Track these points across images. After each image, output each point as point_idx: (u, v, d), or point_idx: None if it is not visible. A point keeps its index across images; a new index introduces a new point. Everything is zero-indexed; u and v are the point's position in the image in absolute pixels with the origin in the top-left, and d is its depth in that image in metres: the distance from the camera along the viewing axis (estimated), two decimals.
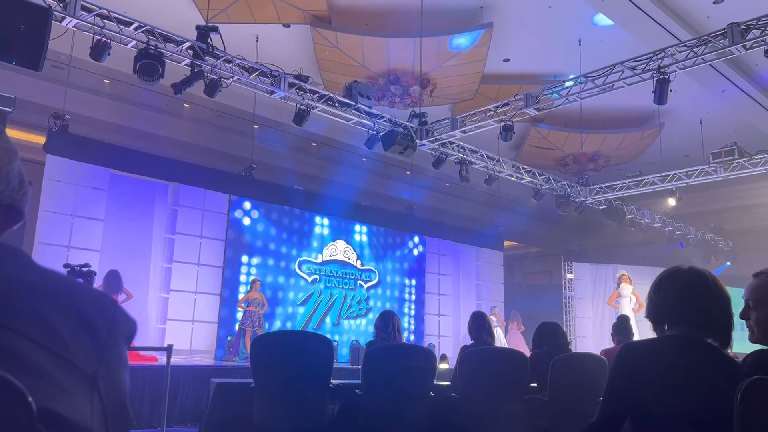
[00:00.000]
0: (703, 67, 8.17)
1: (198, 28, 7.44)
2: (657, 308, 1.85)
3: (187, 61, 7.41)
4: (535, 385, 4.73)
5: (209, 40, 7.39)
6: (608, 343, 5.60)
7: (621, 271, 12.68)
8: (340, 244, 12.83)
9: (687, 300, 1.79)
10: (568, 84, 8.85)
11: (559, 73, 10.23)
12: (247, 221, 11.39)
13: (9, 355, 0.54)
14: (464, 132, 10.06)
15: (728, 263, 15.39)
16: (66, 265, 5.79)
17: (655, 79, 7.85)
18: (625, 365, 1.79)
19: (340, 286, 12.63)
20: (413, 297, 13.95)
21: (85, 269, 5.67)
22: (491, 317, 9.07)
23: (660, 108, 9.18)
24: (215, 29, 7.42)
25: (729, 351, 1.82)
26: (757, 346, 1.92)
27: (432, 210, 14.91)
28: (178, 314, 10.21)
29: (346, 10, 8.97)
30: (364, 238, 13.29)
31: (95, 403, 0.59)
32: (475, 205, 14.97)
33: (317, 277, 12.28)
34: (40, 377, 0.54)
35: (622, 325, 5.44)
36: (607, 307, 15.80)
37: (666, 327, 1.83)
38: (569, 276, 16.13)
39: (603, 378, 4.63)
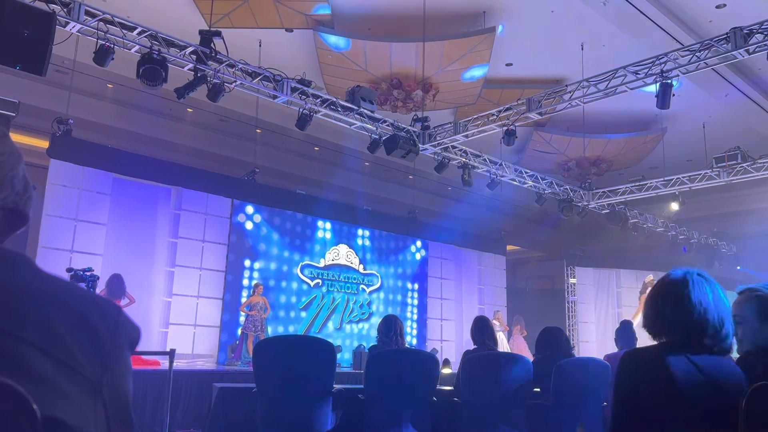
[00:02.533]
0: (706, 72, 8.16)
1: (201, 32, 7.46)
2: (652, 320, 1.83)
3: (190, 65, 7.43)
4: (538, 390, 4.71)
5: (212, 45, 7.41)
6: (611, 348, 5.59)
7: (649, 276, 12.56)
8: (343, 248, 12.83)
9: (683, 308, 1.76)
10: (570, 88, 8.85)
11: (561, 78, 10.23)
12: (249, 225, 11.40)
13: (14, 362, 0.54)
14: (467, 136, 10.06)
15: (739, 267, 15.32)
16: (69, 270, 5.79)
17: (657, 83, 7.85)
18: (626, 374, 1.78)
19: (343, 291, 12.63)
20: (415, 301, 13.94)
21: (88, 273, 5.67)
22: (494, 322, 9.05)
23: (663, 112, 9.17)
24: (218, 34, 7.44)
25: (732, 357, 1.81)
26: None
27: (434, 214, 14.90)
28: (180, 318, 10.21)
29: (348, 14, 9.00)
30: (367, 242, 13.29)
31: (98, 410, 0.58)
32: (477, 209, 14.95)
33: (320, 281, 12.28)
34: (44, 385, 0.54)
35: (625, 330, 5.42)
36: (611, 312, 15.80)
37: (665, 336, 1.81)
38: (572, 280, 16.10)
39: (606, 383, 4.62)
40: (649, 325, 1.84)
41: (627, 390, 1.75)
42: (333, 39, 9.30)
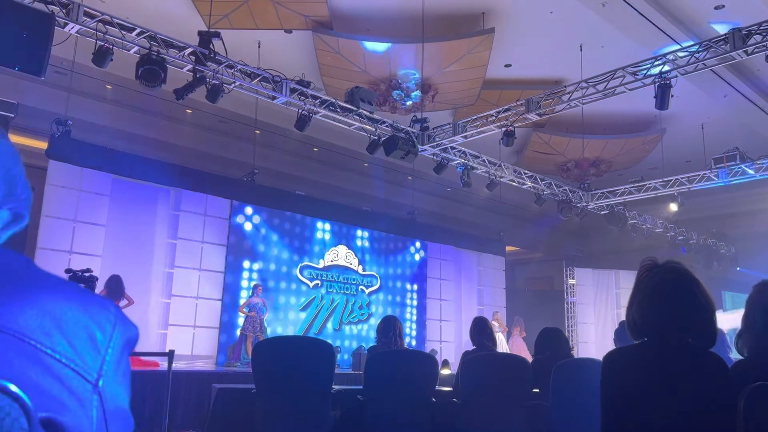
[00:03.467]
0: (705, 73, 8.17)
1: (200, 33, 7.47)
2: (629, 323, 1.83)
3: (189, 66, 7.43)
4: (537, 390, 4.71)
5: (211, 46, 7.41)
6: (610, 348, 5.60)
7: None
8: (342, 249, 12.82)
9: (656, 306, 1.76)
10: (569, 89, 8.86)
11: (560, 79, 10.24)
12: (248, 226, 11.39)
13: (9, 361, 0.53)
14: (466, 137, 10.07)
15: (738, 268, 15.33)
16: (68, 271, 5.78)
17: (656, 84, 7.86)
18: (608, 374, 1.78)
19: (342, 292, 12.62)
20: (415, 302, 13.94)
21: (86, 274, 5.66)
22: (493, 323, 9.05)
23: (661, 113, 9.18)
24: (217, 35, 7.44)
25: (730, 353, 1.82)
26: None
27: (434, 215, 14.91)
28: (179, 319, 10.20)
29: (347, 15, 9.00)
30: (366, 243, 13.29)
31: (96, 410, 0.58)
32: (476, 210, 14.97)
33: (319, 282, 12.27)
34: (41, 385, 0.54)
35: (624, 331, 5.42)
36: (610, 313, 15.79)
37: (649, 335, 1.81)
38: (571, 281, 16.10)
39: None
40: (628, 326, 1.84)
41: (609, 388, 1.75)
42: (332, 40, 9.30)
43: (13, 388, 0.51)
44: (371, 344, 5.80)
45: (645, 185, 12.50)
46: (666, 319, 1.74)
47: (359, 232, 13.18)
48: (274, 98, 8.36)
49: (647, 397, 1.67)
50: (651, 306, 1.76)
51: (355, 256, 13.02)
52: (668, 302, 1.75)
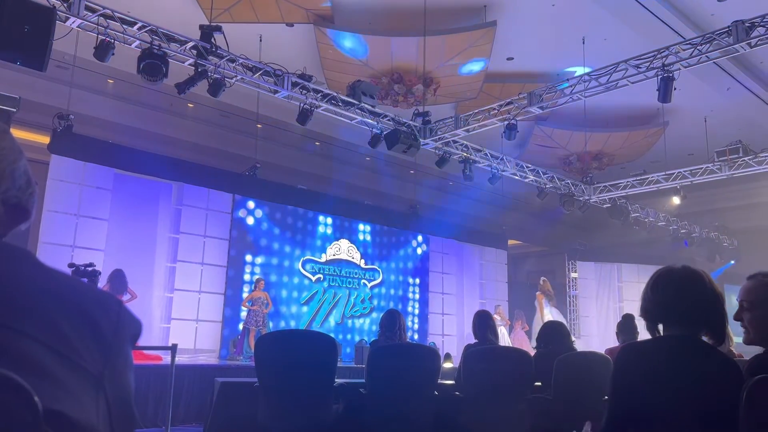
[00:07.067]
0: (708, 65, 8.14)
1: (201, 27, 7.45)
2: (653, 307, 1.84)
3: (191, 60, 7.42)
4: (539, 384, 4.72)
5: (213, 40, 7.40)
6: (613, 342, 5.62)
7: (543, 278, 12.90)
8: (344, 243, 12.83)
9: (684, 299, 1.78)
10: (571, 82, 8.83)
11: (562, 72, 10.21)
12: (250, 220, 11.40)
13: (15, 355, 0.54)
14: (468, 131, 10.05)
15: (732, 262, 15.35)
16: (71, 265, 5.79)
17: (659, 77, 7.83)
18: (623, 368, 1.79)
19: (344, 285, 12.64)
20: (417, 296, 13.95)
21: (89, 269, 5.67)
22: (495, 316, 9.06)
23: (664, 106, 9.16)
24: (219, 29, 7.42)
25: (732, 350, 1.82)
26: (755, 349, 1.92)
27: (436, 209, 14.89)
28: (182, 313, 10.23)
29: (349, 9, 8.97)
30: (368, 237, 13.29)
31: (100, 403, 0.59)
32: (478, 204, 14.95)
33: (321, 276, 12.29)
34: (46, 378, 0.54)
35: (626, 324, 5.42)
36: (612, 306, 15.82)
37: (662, 326, 1.82)
38: (573, 275, 16.11)
39: (607, 377, 4.62)
40: (656, 312, 1.84)
41: (623, 382, 1.76)
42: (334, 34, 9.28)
43: (18, 380, 0.51)
44: (373, 338, 5.81)
45: (647, 178, 12.48)
46: (688, 313, 1.76)
47: (361, 226, 13.19)
48: (275, 92, 8.35)
49: (658, 392, 1.68)
50: (665, 300, 1.79)
51: (357, 250, 13.03)
52: (682, 296, 1.77)
